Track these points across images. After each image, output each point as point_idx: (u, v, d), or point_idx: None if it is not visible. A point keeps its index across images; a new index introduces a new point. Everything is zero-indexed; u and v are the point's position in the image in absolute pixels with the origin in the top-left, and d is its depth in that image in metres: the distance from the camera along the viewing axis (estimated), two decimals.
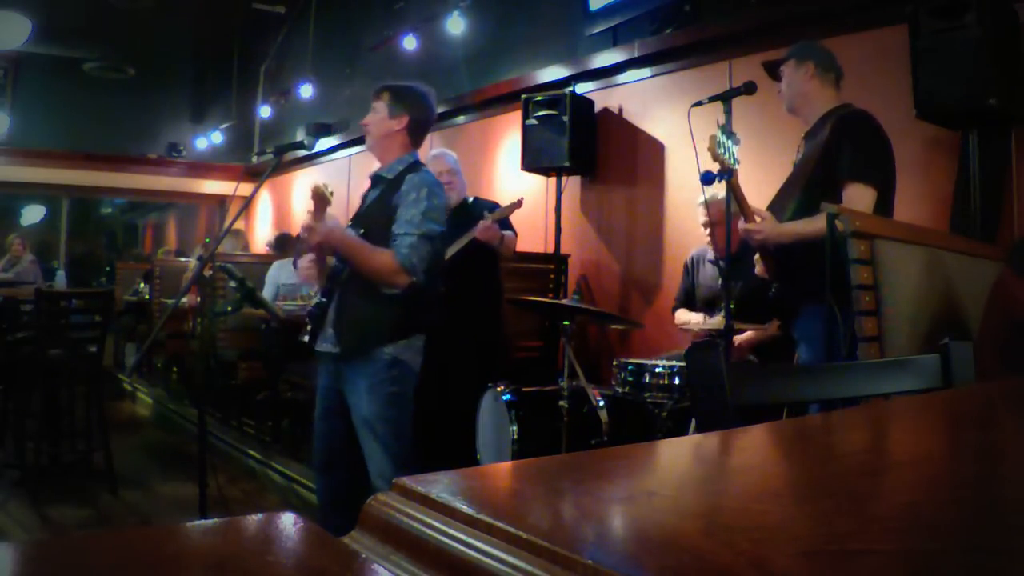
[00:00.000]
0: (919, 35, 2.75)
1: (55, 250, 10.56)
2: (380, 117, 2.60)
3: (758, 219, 2.41)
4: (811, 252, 2.33)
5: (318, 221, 2.41)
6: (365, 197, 2.70)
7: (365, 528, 0.48)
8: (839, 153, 2.34)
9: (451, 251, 3.51)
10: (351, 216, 2.73)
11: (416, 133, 2.64)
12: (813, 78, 2.50)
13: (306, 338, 2.58)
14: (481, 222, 3.43)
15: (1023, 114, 2.76)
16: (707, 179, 2.34)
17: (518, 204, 3.55)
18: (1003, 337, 1.72)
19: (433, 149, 3.91)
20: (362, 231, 2.49)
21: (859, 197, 2.27)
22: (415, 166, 2.59)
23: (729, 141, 2.32)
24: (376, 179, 2.63)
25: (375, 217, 2.52)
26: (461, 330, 3.48)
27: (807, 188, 2.43)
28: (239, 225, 7.81)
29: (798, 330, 2.46)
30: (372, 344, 2.45)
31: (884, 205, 2.34)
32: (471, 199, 3.79)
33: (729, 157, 2.33)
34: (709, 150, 2.30)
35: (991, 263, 2.04)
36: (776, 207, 2.54)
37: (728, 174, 2.33)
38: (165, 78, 10.07)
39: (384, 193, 2.56)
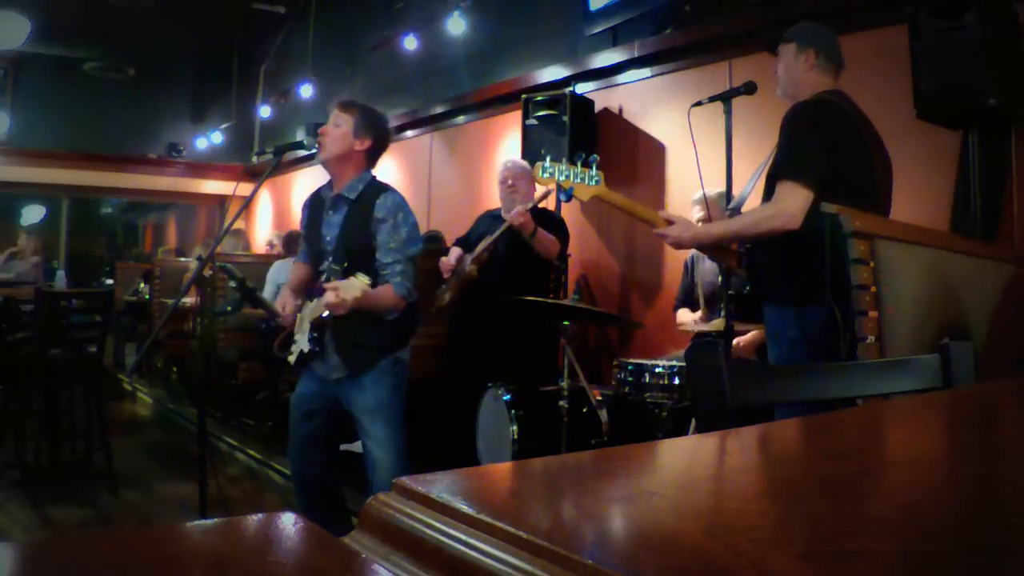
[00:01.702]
0: (919, 35, 2.74)
1: (55, 250, 10.56)
2: (343, 132, 2.57)
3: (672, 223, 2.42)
4: (769, 252, 2.33)
5: (333, 302, 2.35)
6: (319, 218, 2.65)
7: (365, 528, 0.48)
8: (778, 148, 2.28)
9: (489, 240, 3.60)
10: (305, 235, 2.74)
11: (375, 156, 2.66)
12: (813, 68, 2.38)
13: (290, 357, 2.63)
14: (515, 209, 3.52)
15: (1023, 114, 2.75)
16: (563, 196, 2.50)
17: (544, 195, 3.61)
18: (1015, 336, 1.72)
19: (507, 159, 4.00)
20: (345, 264, 2.50)
21: (784, 195, 2.15)
22: (377, 185, 2.61)
23: (564, 163, 2.44)
24: (337, 200, 2.60)
25: (354, 246, 2.54)
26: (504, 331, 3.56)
27: (765, 183, 2.37)
28: (239, 225, 7.81)
29: (766, 328, 2.45)
30: (379, 359, 2.58)
31: (843, 201, 2.10)
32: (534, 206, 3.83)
33: (571, 177, 2.43)
34: (535, 179, 2.48)
35: (991, 263, 2.04)
36: (740, 200, 2.54)
37: (568, 192, 2.44)
38: (165, 78, 10.08)
39: (351, 216, 2.57)
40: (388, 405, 2.59)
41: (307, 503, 2.75)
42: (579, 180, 2.43)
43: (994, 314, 1.72)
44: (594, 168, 2.44)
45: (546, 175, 2.40)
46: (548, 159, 2.43)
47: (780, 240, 2.18)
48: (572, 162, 2.44)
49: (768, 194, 2.30)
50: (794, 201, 2.13)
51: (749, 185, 2.54)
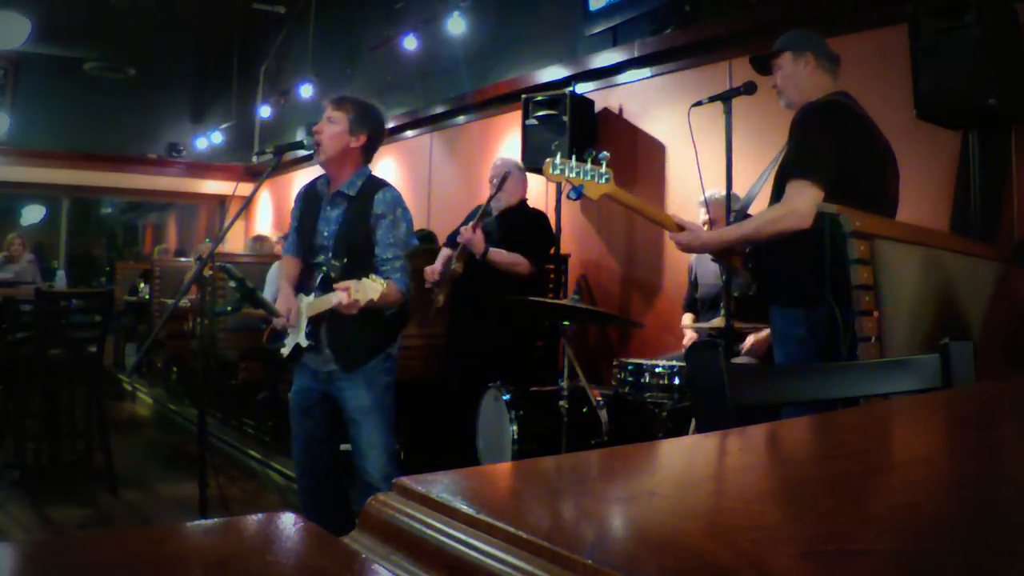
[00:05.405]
0: (919, 35, 2.74)
1: (55, 250, 10.56)
2: (339, 131, 2.56)
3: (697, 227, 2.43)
4: (775, 253, 2.33)
5: (345, 303, 2.33)
6: (315, 212, 2.64)
7: (365, 528, 0.48)
8: (789, 148, 2.29)
9: (452, 261, 3.50)
10: (297, 227, 2.70)
11: (371, 151, 2.66)
12: (815, 69, 2.39)
13: (283, 349, 2.63)
14: (462, 229, 3.46)
15: (1023, 114, 2.75)
16: (572, 194, 2.42)
17: (484, 210, 3.50)
18: (1007, 333, 1.72)
19: (499, 156, 3.95)
20: (345, 260, 2.50)
21: (795, 194, 2.16)
22: (375, 181, 2.63)
23: (574, 160, 2.37)
24: (336, 196, 2.60)
25: (354, 241, 2.54)
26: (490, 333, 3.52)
27: (773, 184, 2.39)
28: (239, 226, 7.82)
29: (772, 329, 2.46)
30: (376, 354, 2.60)
31: (853, 202, 2.14)
32: (519, 207, 3.74)
33: (582, 175, 2.37)
34: (544, 174, 2.38)
35: (991, 263, 2.04)
36: (747, 201, 2.54)
37: (578, 190, 2.38)
38: (165, 78, 10.08)
39: (351, 212, 2.57)
40: (381, 405, 2.61)
41: (311, 502, 2.74)
42: (589, 178, 2.38)
43: (987, 312, 1.72)
44: (604, 166, 2.39)
45: (556, 172, 2.35)
46: (559, 156, 2.37)
47: (787, 240, 2.18)
48: (582, 159, 2.38)
49: (777, 194, 2.31)
50: (805, 200, 2.13)
51: (757, 185, 2.53)
